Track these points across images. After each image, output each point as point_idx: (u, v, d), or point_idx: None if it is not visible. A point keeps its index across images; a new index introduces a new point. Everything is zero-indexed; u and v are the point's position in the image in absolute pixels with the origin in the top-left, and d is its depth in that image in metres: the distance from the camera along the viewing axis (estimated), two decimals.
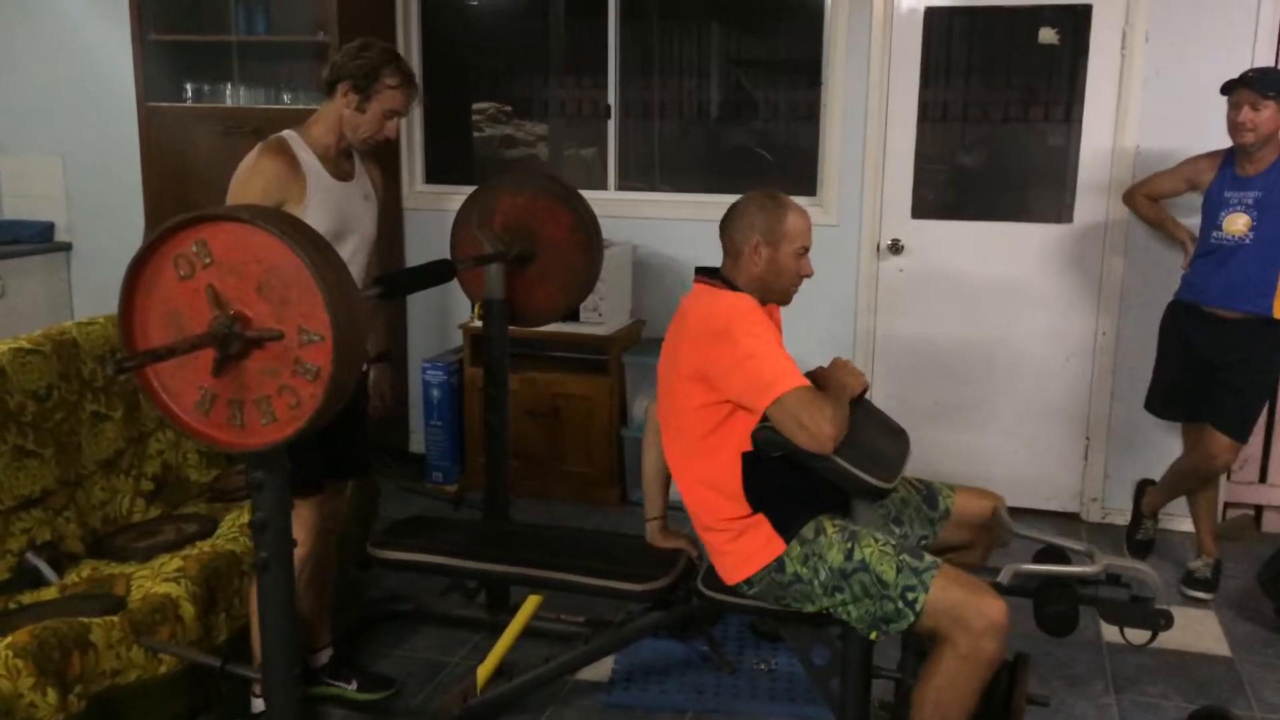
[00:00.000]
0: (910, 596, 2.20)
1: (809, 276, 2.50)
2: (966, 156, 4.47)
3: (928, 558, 2.26)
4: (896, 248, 4.31)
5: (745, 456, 2.36)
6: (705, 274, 2.52)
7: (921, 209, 4.31)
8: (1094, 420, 4.23)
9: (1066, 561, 2.42)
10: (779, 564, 2.34)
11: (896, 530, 2.54)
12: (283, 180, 2.52)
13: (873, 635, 2.30)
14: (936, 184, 4.40)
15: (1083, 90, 4.06)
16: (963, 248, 4.27)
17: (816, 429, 2.19)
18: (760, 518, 2.36)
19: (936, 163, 4.39)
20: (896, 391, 4.36)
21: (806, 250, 2.48)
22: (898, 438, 2.50)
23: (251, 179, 2.51)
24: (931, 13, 4.18)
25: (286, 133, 2.64)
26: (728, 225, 2.49)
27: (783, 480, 2.36)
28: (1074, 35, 4.09)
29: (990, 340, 4.28)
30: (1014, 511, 2.59)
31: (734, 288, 2.45)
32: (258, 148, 2.58)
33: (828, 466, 2.24)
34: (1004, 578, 2.33)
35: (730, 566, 2.41)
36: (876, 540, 2.29)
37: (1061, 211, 4.20)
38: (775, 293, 2.49)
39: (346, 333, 1.84)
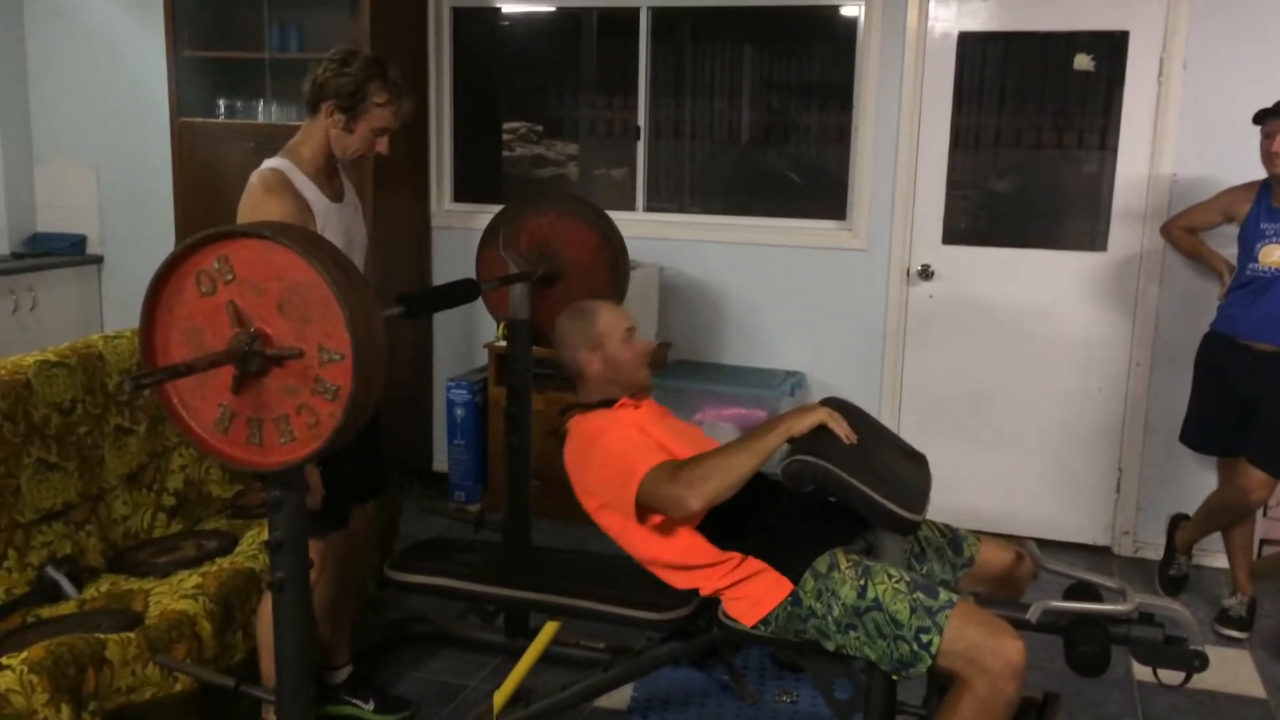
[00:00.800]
0: (925, 638, 2.13)
1: (649, 352, 2.61)
2: (999, 182, 4.42)
3: (943, 594, 2.18)
4: (926, 273, 4.26)
5: (702, 528, 2.36)
6: (565, 411, 2.63)
7: (953, 235, 4.26)
8: (1127, 452, 4.15)
9: (1098, 598, 2.36)
10: (794, 598, 2.29)
11: (919, 568, 2.48)
12: (295, 221, 2.37)
13: (894, 678, 2.25)
14: (968, 210, 4.36)
15: (1118, 117, 4.01)
16: (994, 274, 4.22)
17: (675, 496, 2.24)
18: (760, 563, 2.33)
19: (969, 188, 4.34)
20: (924, 419, 4.30)
21: (632, 331, 2.58)
22: (918, 464, 2.45)
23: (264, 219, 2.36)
24: (965, 38, 4.15)
25: (281, 164, 2.51)
26: (560, 356, 2.63)
27: (766, 523, 2.35)
28: (1110, 62, 4.04)
29: (1021, 369, 4.22)
30: (1044, 544, 2.53)
31: (593, 405, 2.56)
32: (259, 185, 2.45)
33: (857, 499, 2.19)
34: (1033, 615, 2.26)
35: (743, 610, 2.36)
36: (890, 577, 2.22)
37: (1095, 239, 4.14)
38: (628, 384, 2.58)
39: (367, 352, 1.83)
